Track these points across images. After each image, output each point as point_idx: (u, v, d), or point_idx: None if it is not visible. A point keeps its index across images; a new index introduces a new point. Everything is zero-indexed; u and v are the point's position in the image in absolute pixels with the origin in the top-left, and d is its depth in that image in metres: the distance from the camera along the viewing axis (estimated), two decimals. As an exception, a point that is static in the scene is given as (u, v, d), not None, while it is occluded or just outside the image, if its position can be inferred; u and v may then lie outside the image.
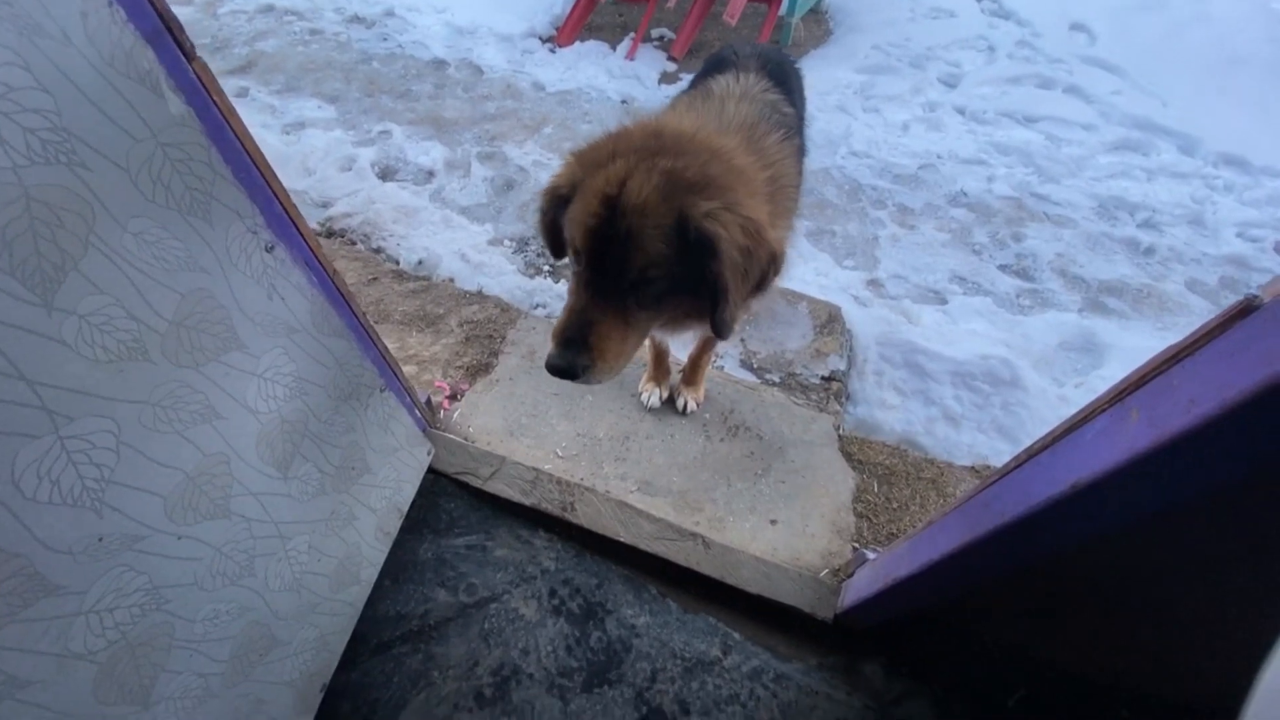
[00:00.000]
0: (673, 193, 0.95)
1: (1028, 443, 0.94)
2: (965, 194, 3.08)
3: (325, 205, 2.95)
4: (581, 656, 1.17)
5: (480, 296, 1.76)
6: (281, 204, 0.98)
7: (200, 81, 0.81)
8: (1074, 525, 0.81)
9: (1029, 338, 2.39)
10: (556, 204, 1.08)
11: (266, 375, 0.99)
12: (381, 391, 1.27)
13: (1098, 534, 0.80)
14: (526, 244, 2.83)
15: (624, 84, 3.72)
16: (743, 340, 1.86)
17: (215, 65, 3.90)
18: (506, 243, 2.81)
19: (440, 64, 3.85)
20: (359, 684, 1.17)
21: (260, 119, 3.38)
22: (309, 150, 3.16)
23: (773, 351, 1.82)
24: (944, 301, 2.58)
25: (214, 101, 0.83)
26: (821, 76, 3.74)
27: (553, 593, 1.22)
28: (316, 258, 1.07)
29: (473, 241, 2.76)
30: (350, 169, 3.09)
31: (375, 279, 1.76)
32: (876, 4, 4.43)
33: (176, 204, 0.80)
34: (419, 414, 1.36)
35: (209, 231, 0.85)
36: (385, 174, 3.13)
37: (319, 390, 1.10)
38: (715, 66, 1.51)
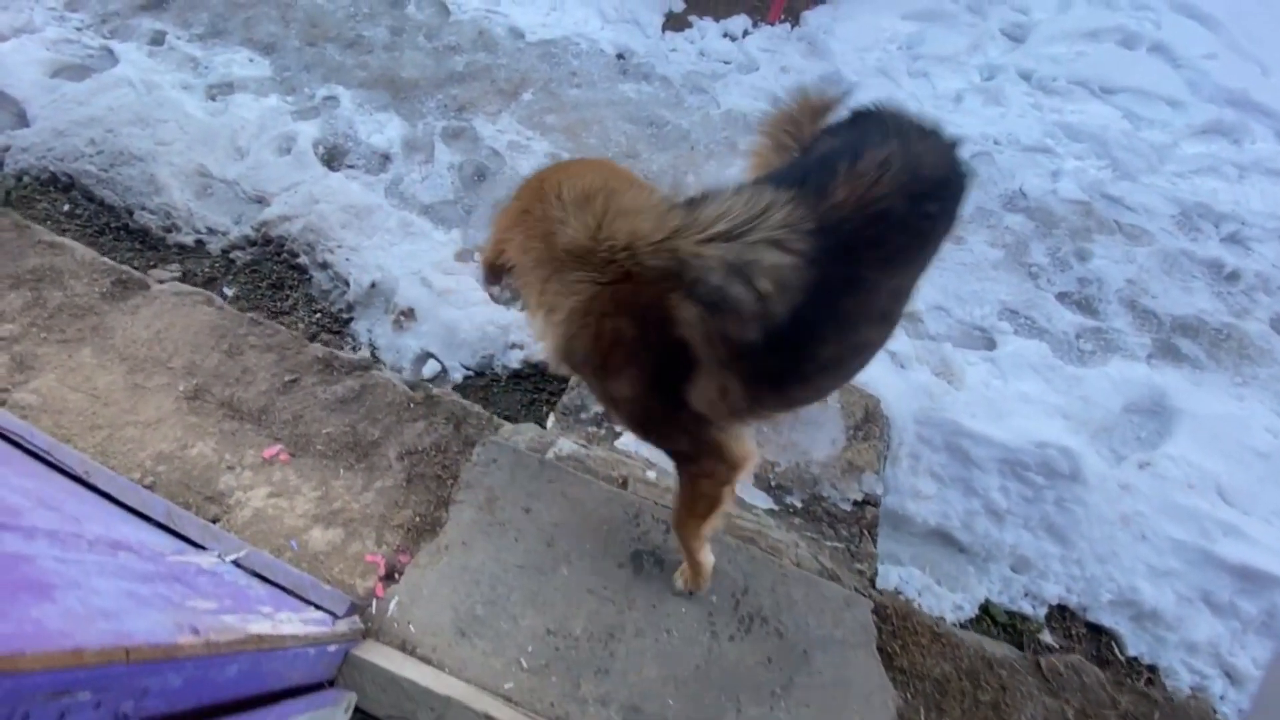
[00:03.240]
0: None
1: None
2: (1025, 194, 2.59)
3: (260, 201, 2.47)
4: None
5: (429, 406, 1.39)
6: None
7: None
8: None
9: (1089, 401, 2.04)
10: None
11: None
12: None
13: None
14: (502, 256, 2.39)
15: (620, 31, 3.07)
16: (760, 447, 1.52)
17: (124, -4, 3.22)
18: (477, 256, 2.37)
19: (398, -1, 3.17)
20: None
21: (180, 77, 2.79)
22: (239, 124, 2.62)
23: (795, 463, 1.49)
24: (992, 345, 2.20)
25: None
26: (861, 26, 3.09)
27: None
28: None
29: (436, 256, 2.32)
30: (289, 151, 2.57)
31: (295, 379, 1.38)
32: (931, -81, 3.63)
33: None
34: (335, 642, 1.04)
35: None
36: (332, 157, 2.61)
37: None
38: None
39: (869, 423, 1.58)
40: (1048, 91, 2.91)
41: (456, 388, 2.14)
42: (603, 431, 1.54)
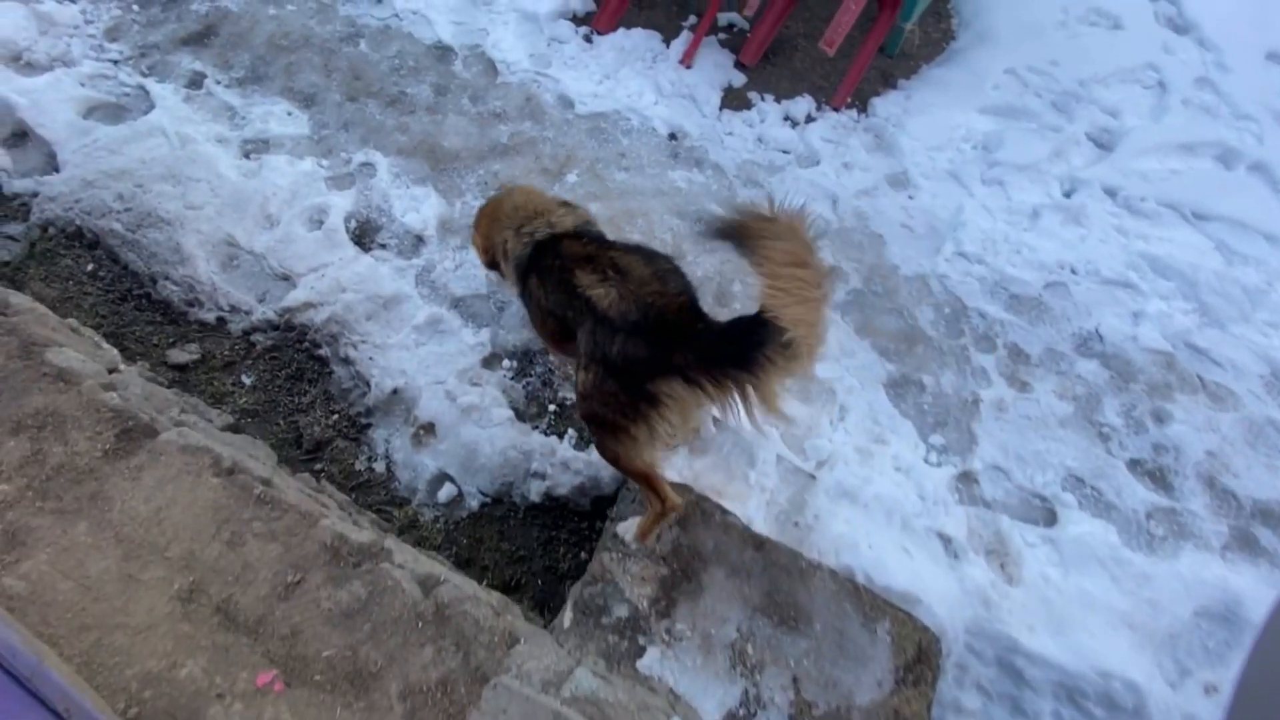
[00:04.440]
0: None
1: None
2: (1101, 337, 2.39)
3: (286, 279, 2.36)
4: None
5: (438, 624, 1.26)
6: None
7: None
8: None
9: (1156, 605, 1.85)
10: None
11: None
12: None
13: None
14: (531, 363, 2.26)
15: (675, 107, 2.89)
16: (795, 681, 1.37)
17: (166, 28, 3.10)
18: (506, 364, 2.24)
19: (445, 52, 3.02)
20: None
21: (215, 129, 2.68)
22: (272, 190, 2.51)
23: (835, 706, 1.34)
24: (1053, 519, 2.02)
25: None
26: (935, 121, 2.87)
27: None
28: None
29: (464, 362, 2.20)
30: (320, 225, 2.45)
31: (300, 579, 1.27)
32: (1018, -6, 3.37)
33: None
34: None
35: None
36: (364, 233, 2.48)
37: None
38: None
39: (921, 664, 1.43)
40: (1134, 213, 2.68)
41: (472, 516, 2.03)
42: (625, 644, 1.41)
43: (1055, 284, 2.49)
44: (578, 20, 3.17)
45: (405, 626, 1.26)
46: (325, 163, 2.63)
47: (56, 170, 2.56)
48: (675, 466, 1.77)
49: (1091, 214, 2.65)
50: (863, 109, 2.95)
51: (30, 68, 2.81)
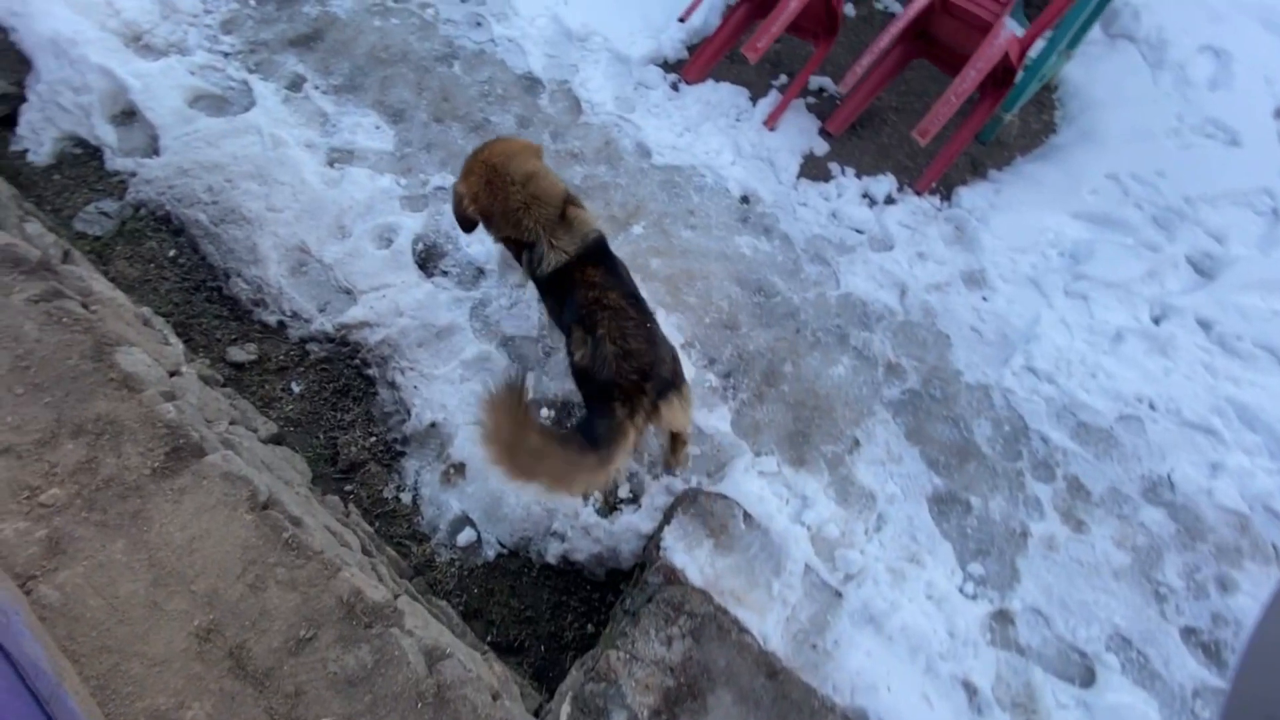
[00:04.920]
0: None
1: None
2: (1172, 485, 2.22)
3: (348, 293, 2.42)
4: None
5: (438, 708, 1.25)
6: None
7: None
8: None
9: (1197, 802, 1.70)
10: None
11: None
12: None
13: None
14: (569, 414, 2.25)
15: (751, 169, 2.85)
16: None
17: (277, 27, 3.24)
18: (545, 411, 2.24)
19: (533, 84, 3.05)
20: None
21: (306, 134, 2.78)
22: (349, 202, 2.58)
23: None
24: (1090, 681, 1.88)
25: None
26: (1022, 220, 2.75)
27: None
28: None
29: (504, 406, 2.19)
30: (389, 245, 2.51)
31: (313, 635, 1.28)
32: (1133, 92, 3.19)
33: None
34: None
35: None
36: (428, 259, 2.53)
37: None
38: None
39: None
40: (1228, 352, 2.49)
41: (487, 565, 2.02)
42: (622, 753, 1.37)
43: (1130, 417, 2.34)
44: (668, 66, 3.16)
45: (405, 705, 1.25)
46: (403, 181, 2.69)
47: (156, 154, 2.69)
48: (698, 562, 1.73)
49: (1180, 346, 2.48)
50: (946, 196, 2.85)
51: (148, 50, 2.97)
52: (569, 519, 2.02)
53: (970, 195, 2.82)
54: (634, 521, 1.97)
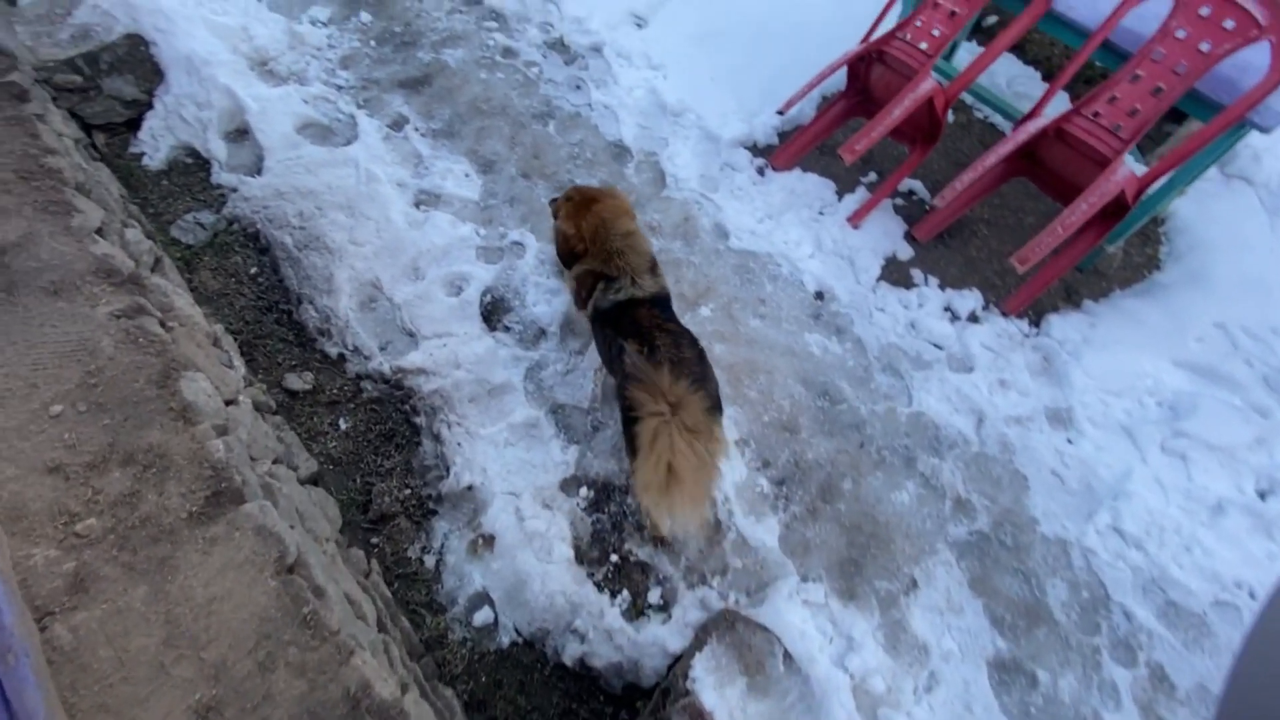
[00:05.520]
0: None
1: None
2: (1274, 696, 1.93)
3: (411, 335, 2.42)
4: None
5: None
6: None
7: None
8: None
9: None
10: None
11: None
12: None
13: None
14: (609, 498, 2.14)
15: (829, 265, 2.77)
16: None
17: (391, 68, 3.40)
18: (584, 491, 2.14)
19: (622, 152, 3.09)
20: None
21: (399, 173, 2.86)
22: (429, 244, 2.61)
23: None
24: None
25: None
26: (1117, 361, 2.55)
27: None
28: None
29: (543, 479, 2.12)
30: (459, 293, 2.51)
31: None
32: (1249, 237, 2.99)
33: None
34: None
35: None
36: (494, 311, 2.52)
37: None
38: None
39: None
40: (1349, 546, 2.20)
41: (499, 653, 1.90)
42: None
43: (1226, 604, 2.07)
44: (756, 150, 3.15)
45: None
46: (483, 231, 2.72)
47: (259, 174, 2.81)
48: (728, 703, 1.57)
49: (1292, 529, 2.21)
50: (1036, 322, 2.69)
51: (271, 76, 3.16)
52: (593, 618, 1.89)
53: (1062, 325, 2.65)
54: (661, 635, 1.83)
